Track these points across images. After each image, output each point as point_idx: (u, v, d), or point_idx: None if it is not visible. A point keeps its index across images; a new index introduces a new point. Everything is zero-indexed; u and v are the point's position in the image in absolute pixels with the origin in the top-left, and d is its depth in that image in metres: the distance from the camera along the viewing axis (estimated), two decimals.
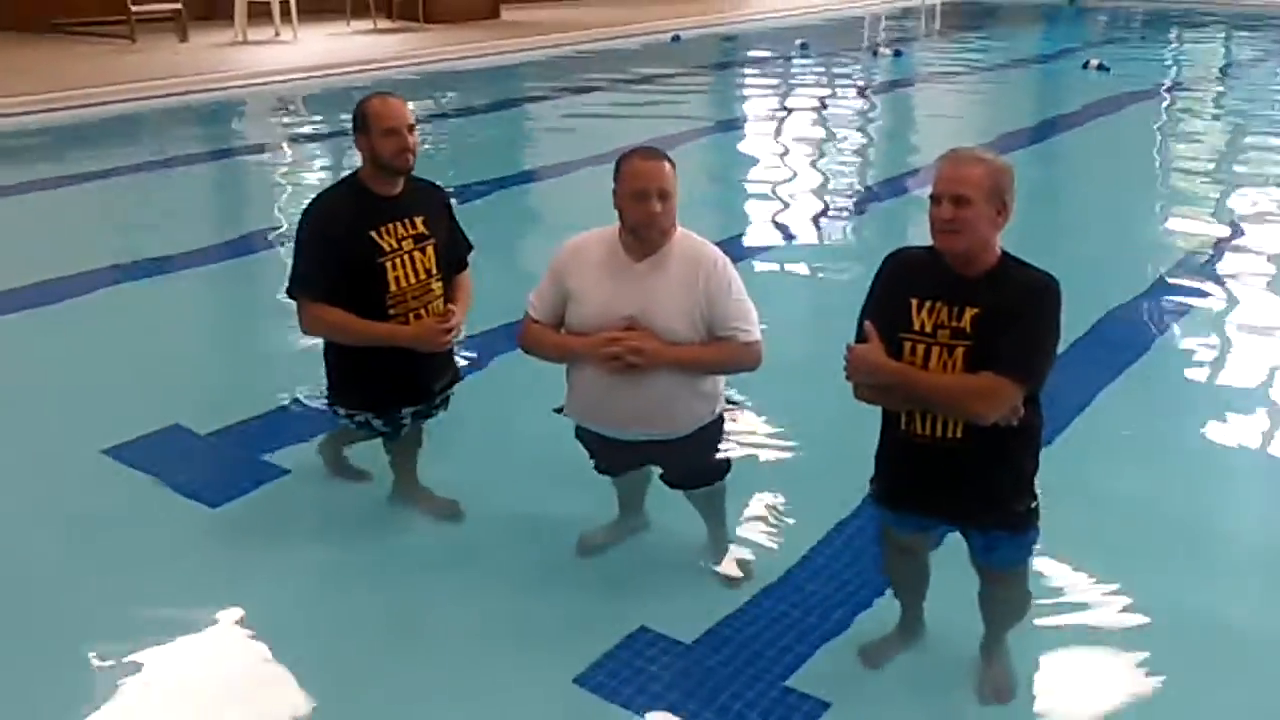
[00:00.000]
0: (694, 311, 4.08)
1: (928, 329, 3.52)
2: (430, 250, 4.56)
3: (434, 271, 4.57)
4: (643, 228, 4.06)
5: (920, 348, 3.51)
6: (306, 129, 13.40)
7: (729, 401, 4.45)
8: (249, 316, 7.66)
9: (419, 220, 4.55)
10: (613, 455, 4.45)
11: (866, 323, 3.58)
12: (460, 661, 4.10)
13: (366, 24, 18.94)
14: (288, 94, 14.68)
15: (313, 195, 4.68)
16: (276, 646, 4.17)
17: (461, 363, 5.10)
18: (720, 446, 4.43)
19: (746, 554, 4.64)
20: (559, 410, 4.45)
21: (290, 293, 4.55)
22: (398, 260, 4.46)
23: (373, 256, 4.42)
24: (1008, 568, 3.82)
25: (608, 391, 4.16)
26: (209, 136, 13.22)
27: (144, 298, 7.67)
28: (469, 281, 4.82)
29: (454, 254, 4.74)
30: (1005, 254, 3.55)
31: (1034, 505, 3.70)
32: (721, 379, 4.35)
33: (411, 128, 4.44)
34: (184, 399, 5.97)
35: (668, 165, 4.08)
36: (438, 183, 4.86)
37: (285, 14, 17.58)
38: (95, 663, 4.06)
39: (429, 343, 4.48)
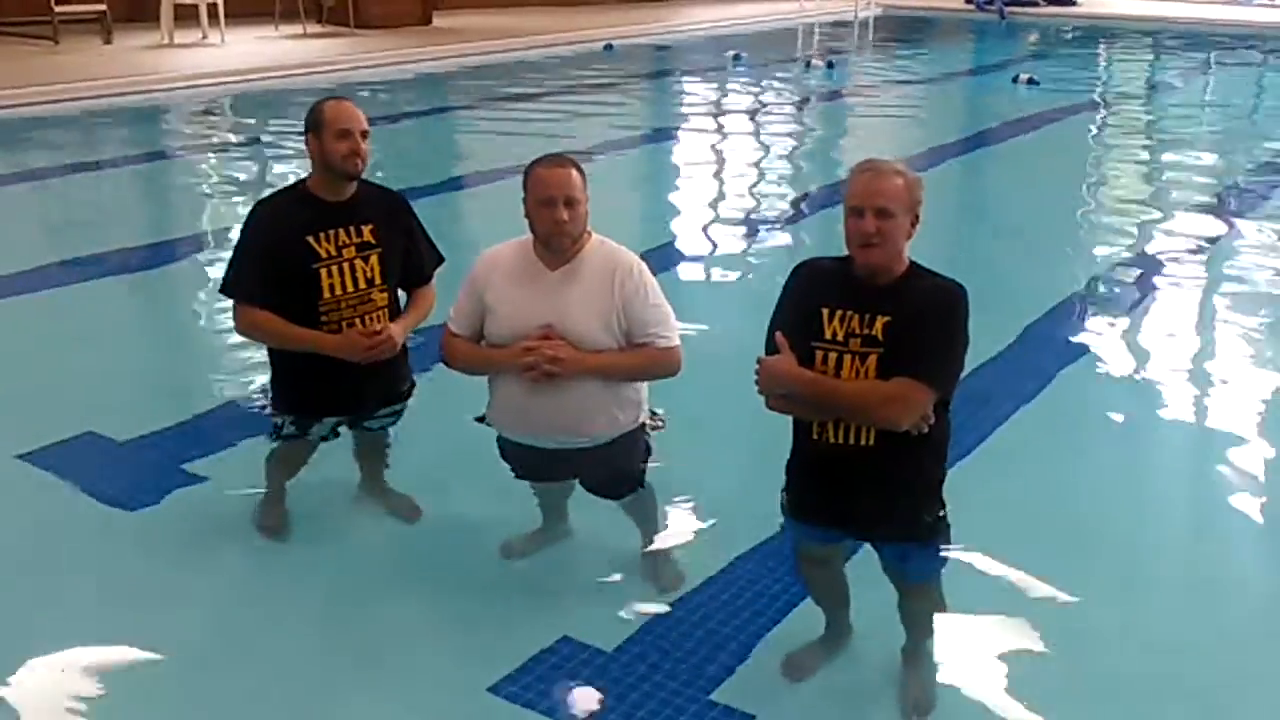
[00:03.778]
0: (610, 318, 4.06)
1: (839, 337, 3.53)
2: (374, 260, 4.46)
3: (376, 281, 4.48)
4: (551, 236, 4.04)
5: (832, 356, 3.53)
6: (232, 133, 13.23)
7: (653, 412, 4.41)
8: (171, 322, 7.55)
9: (366, 228, 4.46)
10: (534, 465, 4.39)
11: (778, 334, 3.59)
12: (375, 670, 4.04)
13: (296, 28, 18.75)
14: (214, 98, 14.49)
15: (237, 200, 4.62)
16: (187, 653, 4.10)
17: None
18: (640, 454, 4.39)
19: (675, 562, 4.61)
20: (480, 419, 4.41)
21: (222, 290, 4.52)
22: (334, 268, 4.38)
23: (307, 262, 4.35)
24: (921, 579, 3.84)
25: (528, 401, 4.13)
26: (133, 140, 13.00)
27: (64, 302, 7.53)
28: (429, 296, 4.72)
29: (412, 265, 4.64)
30: (913, 262, 3.59)
31: (943, 515, 3.72)
32: (644, 386, 4.32)
33: (365, 134, 4.39)
34: (102, 405, 5.87)
35: (574, 172, 4.06)
36: (398, 192, 4.75)
37: (212, 17, 17.38)
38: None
39: (352, 354, 4.38)
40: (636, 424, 4.28)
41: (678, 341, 4.16)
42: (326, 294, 4.38)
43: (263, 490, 4.91)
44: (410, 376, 4.82)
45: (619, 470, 4.38)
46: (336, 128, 4.34)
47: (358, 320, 4.43)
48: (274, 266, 4.37)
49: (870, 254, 3.49)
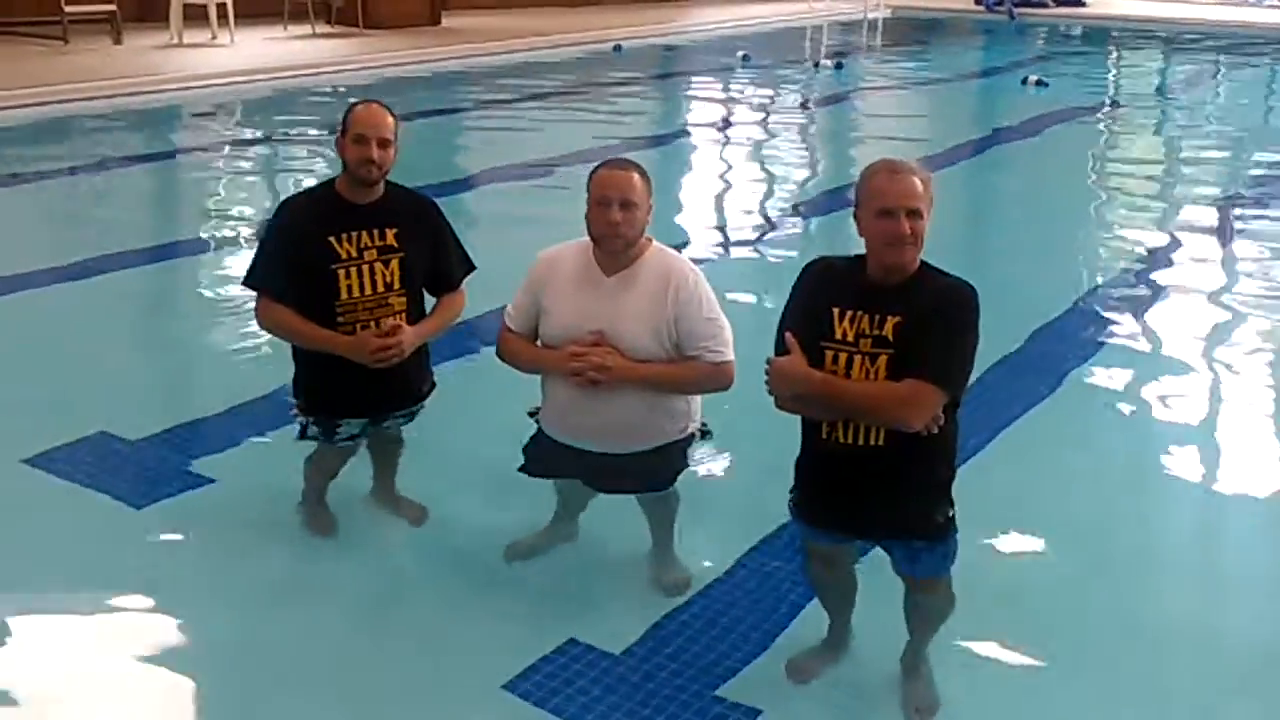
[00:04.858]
0: (661, 327, 4.05)
1: (850, 338, 3.53)
2: (395, 264, 4.44)
3: (395, 286, 4.45)
4: (604, 237, 4.04)
5: (843, 356, 3.52)
6: (241, 133, 13.24)
7: (704, 426, 4.40)
8: (181, 321, 7.55)
9: (390, 232, 4.44)
10: (563, 462, 4.35)
11: (788, 335, 3.58)
12: (387, 669, 4.05)
13: (305, 29, 18.74)
14: (223, 98, 14.48)
15: (245, 200, 4.62)
16: (201, 657, 4.12)
17: None
18: (680, 463, 4.35)
19: (682, 564, 4.61)
20: (533, 414, 4.42)
21: (245, 283, 4.52)
22: (353, 269, 4.37)
23: (326, 262, 4.34)
24: (931, 576, 3.83)
25: (576, 405, 4.13)
26: (142, 140, 13.00)
27: (75, 301, 7.53)
28: (456, 303, 4.68)
29: (439, 272, 4.61)
30: (924, 262, 3.58)
31: (951, 514, 3.72)
32: (695, 398, 4.30)
33: (385, 142, 4.34)
34: (113, 404, 5.88)
35: (636, 176, 4.05)
36: (429, 197, 4.72)
37: (222, 17, 17.38)
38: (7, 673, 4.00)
39: (362, 356, 4.35)
40: (684, 435, 4.27)
41: (731, 356, 4.12)
42: (344, 295, 4.37)
43: (274, 493, 4.94)
44: (430, 377, 4.81)
45: (653, 474, 4.33)
46: (354, 132, 4.34)
47: (373, 323, 4.40)
48: (295, 264, 4.38)
49: (904, 253, 3.48)
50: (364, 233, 4.41)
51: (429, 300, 4.68)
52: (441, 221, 4.66)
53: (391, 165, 4.41)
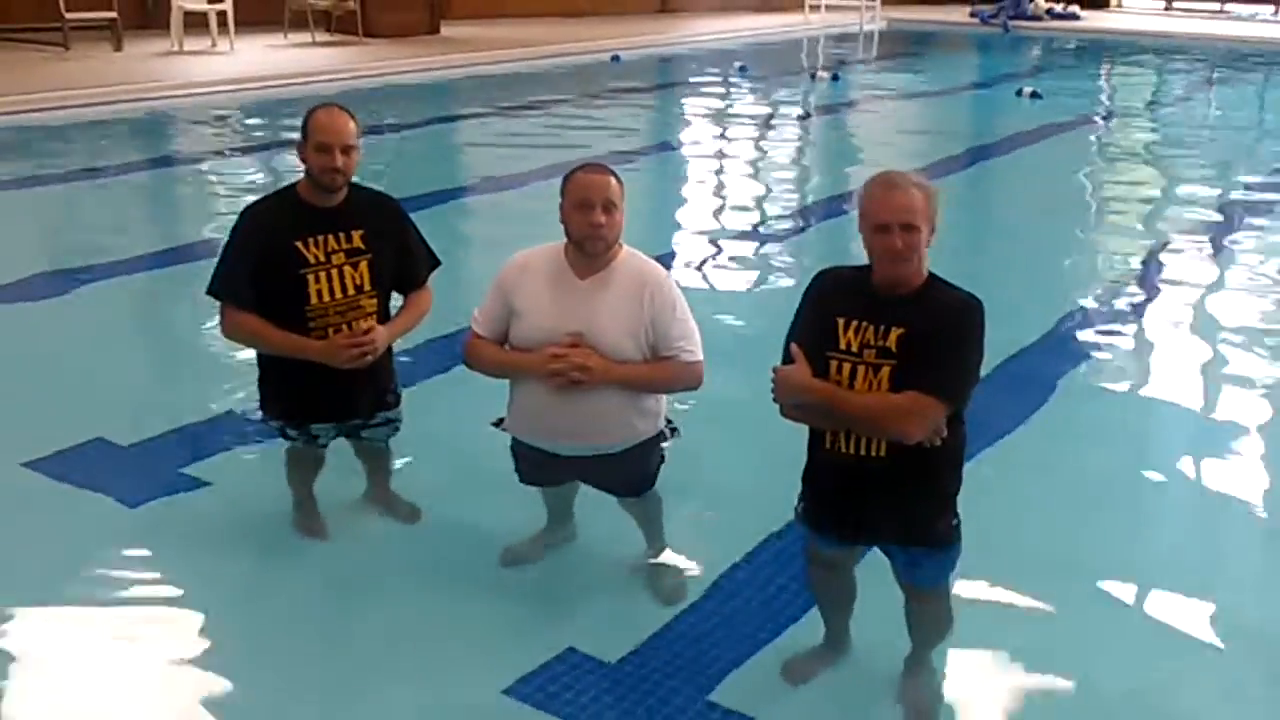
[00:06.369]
0: (639, 330, 4.09)
1: (854, 348, 3.55)
2: (364, 265, 4.43)
3: (365, 288, 4.45)
4: (586, 239, 4.06)
5: (846, 366, 3.55)
6: (241, 140, 13.27)
7: (669, 423, 4.45)
8: (177, 328, 7.59)
9: (356, 234, 4.43)
10: (547, 469, 4.43)
11: (793, 344, 3.61)
12: (379, 674, 4.08)
13: (305, 37, 18.80)
14: (223, 105, 14.54)
15: (241, 208, 4.62)
16: (192, 662, 4.15)
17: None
18: (655, 461, 4.43)
19: (678, 567, 4.66)
20: (497, 424, 4.43)
21: (209, 292, 4.48)
22: (322, 273, 4.36)
23: (294, 268, 4.33)
24: (930, 585, 3.86)
25: (550, 407, 4.15)
26: (141, 147, 13.06)
27: (75, 307, 7.57)
28: (423, 300, 4.69)
29: (405, 270, 4.62)
30: (931, 274, 3.60)
31: (955, 524, 3.74)
32: (663, 397, 4.36)
33: (349, 149, 4.32)
34: (110, 410, 5.92)
35: (613, 179, 4.10)
36: (391, 197, 4.72)
37: (222, 25, 17.42)
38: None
39: (336, 359, 4.35)
40: (654, 433, 4.33)
41: (701, 356, 4.18)
42: (314, 300, 4.36)
43: (270, 495, 4.96)
44: (396, 384, 4.81)
45: (632, 476, 4.41)
46: (315, 140, 4.32)
47: (345, 326, 4.40)
48: (262, 271, 4.35)
49: (900, 268, 3.51)
50: (330, 236, 4.39)
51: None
52: (406, 220, 4.66)
53: (355, 169, 4.40)
